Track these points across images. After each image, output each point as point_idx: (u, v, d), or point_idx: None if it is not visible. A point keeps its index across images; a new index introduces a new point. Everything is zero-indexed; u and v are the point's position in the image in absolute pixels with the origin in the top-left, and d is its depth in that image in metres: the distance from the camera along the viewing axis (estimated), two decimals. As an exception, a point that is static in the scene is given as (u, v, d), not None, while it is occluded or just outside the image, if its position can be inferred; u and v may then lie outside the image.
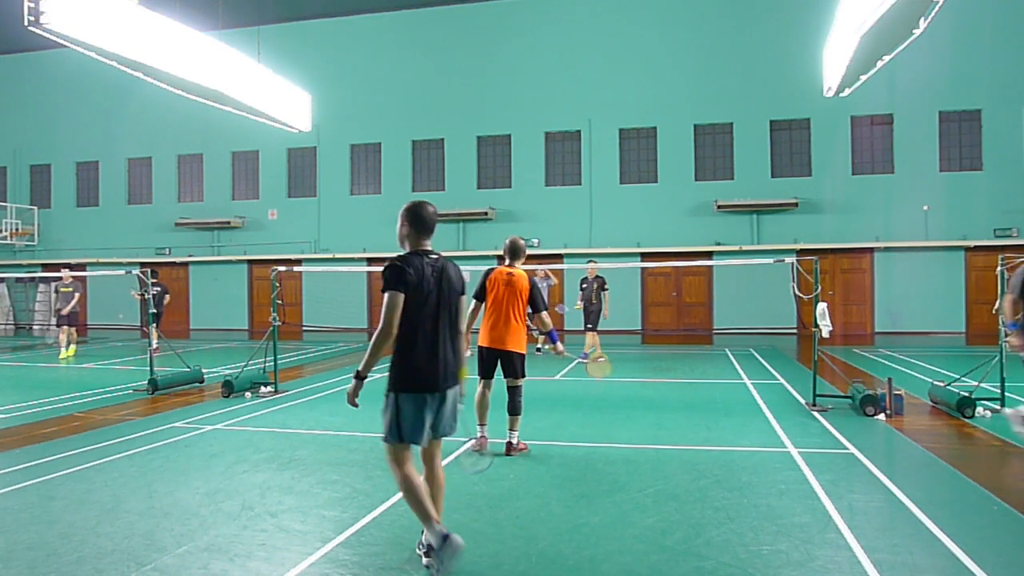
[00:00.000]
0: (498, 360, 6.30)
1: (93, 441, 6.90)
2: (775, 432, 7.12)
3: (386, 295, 3.68)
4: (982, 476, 5.48)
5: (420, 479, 3.79)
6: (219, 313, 23.66)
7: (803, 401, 8.80)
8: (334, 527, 4.45)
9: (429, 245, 3.91)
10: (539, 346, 14.41)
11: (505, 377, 6.32)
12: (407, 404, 3.70)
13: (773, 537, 4.20)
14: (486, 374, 6.33)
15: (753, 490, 5.13)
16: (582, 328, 13.47)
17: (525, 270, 6.53)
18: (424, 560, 3.78)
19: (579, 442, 6.74)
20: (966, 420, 7.62)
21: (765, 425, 7.47)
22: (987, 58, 18.76)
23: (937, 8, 7.18)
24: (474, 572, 3.76)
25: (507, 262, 6.44)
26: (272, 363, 9.88)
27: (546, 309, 6.47)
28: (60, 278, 15.71)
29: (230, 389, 9.53)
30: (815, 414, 7.99)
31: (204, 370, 11.13)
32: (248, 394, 9.56)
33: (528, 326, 6.48)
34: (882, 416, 7.73)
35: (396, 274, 3.69)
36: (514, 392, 6.30)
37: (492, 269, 6.40)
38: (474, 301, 6.29)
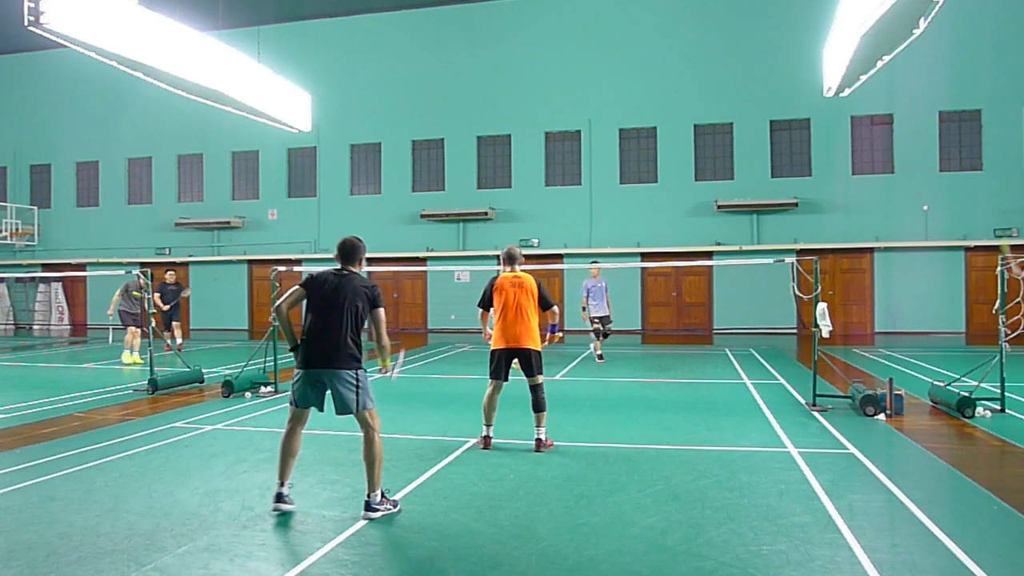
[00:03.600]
0: (512, 361, 6.42)
1: (93, 441, 6.90)
2: (775, 432, 7.12)
3: None
4: (982, 476, 5.47)
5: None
6: (219, 313, 23.67)
7: (803, 401, 8.80)
8: (334, 527, 4.45)
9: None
10: (599, 352, 13.64)
11: (526, 377, 6.46)
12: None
13: (773, 537, 4.20)
14: (497, 376, 6.44)
15: (753, 490, 5.13)
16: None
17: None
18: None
19: (579, 442, 6.74)
20: (966, 420, 7.62)
21: (765, 425, 7.47)
22: (987, 58, 18.76)
23: (937, 8, 7.17)
24: (474, 572, 3.76)
25: (507, 269, 6.59)
26: (272, 363, 9.88)
27: (555, 305, 6.68)
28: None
29: (230, 389, 9.54)
30: (815, 414, 7.98)
31: (204, 370, 11.13)
32: (248, 394, 9.56)
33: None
34: (882, 416, 7.73)
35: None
36: (536, 390, 6.41)
37: (495, 277, 6.58)
38: (480, 309, 6.63)
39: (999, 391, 8.08)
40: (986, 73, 18.82)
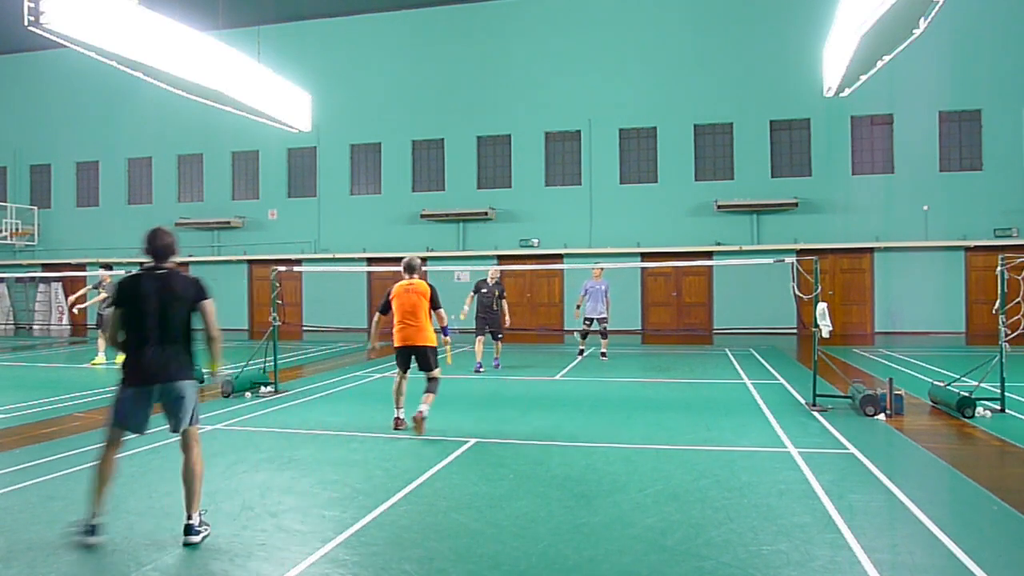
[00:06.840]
0: (411, 356, 7.27)
1: (93, 441, 6.86)
2: (775, 432, 7.12)
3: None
4: (982, 476, 5.48)
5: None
6: (219, 313, 23.03)
7: (803, 401, 8.80)
8: (334, 527, 4.45)
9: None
10: (581, 347, 14.58)
11: (421, 370, 7.27)
12: None
13: (773, 537, 4.20)
14: (402, 367, 7.37)
15: (753, 490, 5.13)
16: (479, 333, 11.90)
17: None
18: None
19: (579, 442, 6.75)
20: (966, 420, 7.62)
21: (765, 425, 7.47)
22: (987, 58, 18.76)
23: (937, 8, 7.18)
24: (474, 572, 3.76)
25: (406, 277, 7.38)
26: (272, 363, 9.88)
27: (441, 307, 7.40)
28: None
29: (230, 389, 9.54)
30: (815, 414, 7.99)
31: (204, 370, 11.12)
32: (248, 394, 9.56)
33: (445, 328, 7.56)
34: (882, 416, 7.73)
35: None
36: (432, 381, 7.26)
37: (393, 286, 7.43)
38: (377, 314, 7.50)
39: (999, 391, 8.08)
40: (986, 73, 18.81)
